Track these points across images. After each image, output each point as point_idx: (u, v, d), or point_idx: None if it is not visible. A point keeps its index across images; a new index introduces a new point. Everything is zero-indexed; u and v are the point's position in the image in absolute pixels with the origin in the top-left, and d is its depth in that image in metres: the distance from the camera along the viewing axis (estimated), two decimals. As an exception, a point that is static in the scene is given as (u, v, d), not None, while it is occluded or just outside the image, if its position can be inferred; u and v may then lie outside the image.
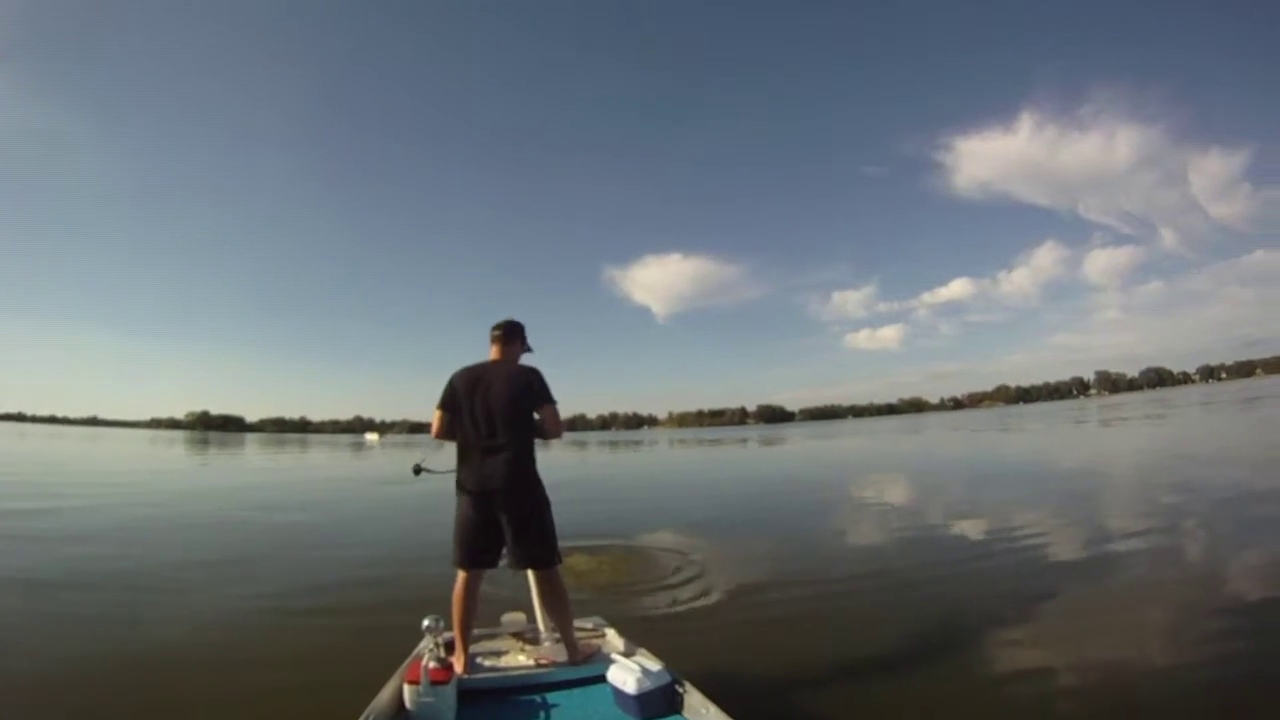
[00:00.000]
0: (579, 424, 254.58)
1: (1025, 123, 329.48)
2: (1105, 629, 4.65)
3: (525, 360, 3.81)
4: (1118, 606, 5.18)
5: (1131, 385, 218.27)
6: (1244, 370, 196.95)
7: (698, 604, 5.45)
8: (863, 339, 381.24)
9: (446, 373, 3.65)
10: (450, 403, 3.56)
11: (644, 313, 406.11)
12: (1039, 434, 32.36)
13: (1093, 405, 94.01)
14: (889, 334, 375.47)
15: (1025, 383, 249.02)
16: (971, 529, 8.57)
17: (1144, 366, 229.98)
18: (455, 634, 3.37)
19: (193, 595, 6.03)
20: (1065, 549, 7.09)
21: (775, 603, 5.50)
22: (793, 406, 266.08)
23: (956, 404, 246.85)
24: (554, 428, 3.59)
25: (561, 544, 3.64)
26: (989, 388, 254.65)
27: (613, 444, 59.13)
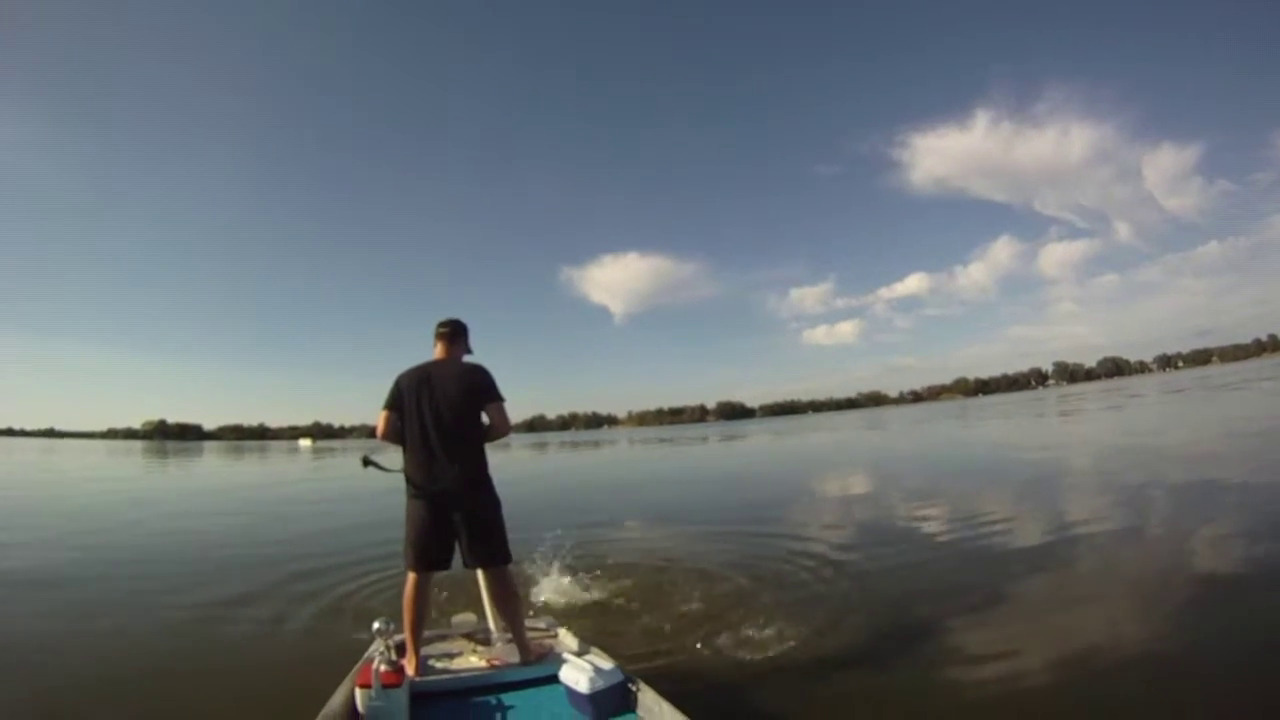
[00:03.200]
0: (538, 425, 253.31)
1: (981, 120, 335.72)
2: (1067, 616, 4.76)
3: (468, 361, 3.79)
4: (1082, 592, 5.30)
5: (1089, 375, 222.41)
6: (1200, 359, 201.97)
7: (651, 602, 5.44)
8: (821, 335, 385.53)
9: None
10: (397, 403, 3.52)
11: (602, 312, 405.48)
12: (1004, 424, 32.83)
13: (1052, 395, 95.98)
14: (847, 329, 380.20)
15: (983, 375, 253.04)
16: (937, 518, 8.70)
17: (1101, 357, 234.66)
18: (406, 636, 3.35)
19: (124, 606, 5.84)
20: (1029, 535, 7.27)
21: (729, 599, 5.51)
22: (753, 403, 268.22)
23: (916, 397, 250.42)
24: (502, 426, 3.57)
25: (516, 548, 3.65)
26: (947, 380, 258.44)
27: (573, 444, 58.98)
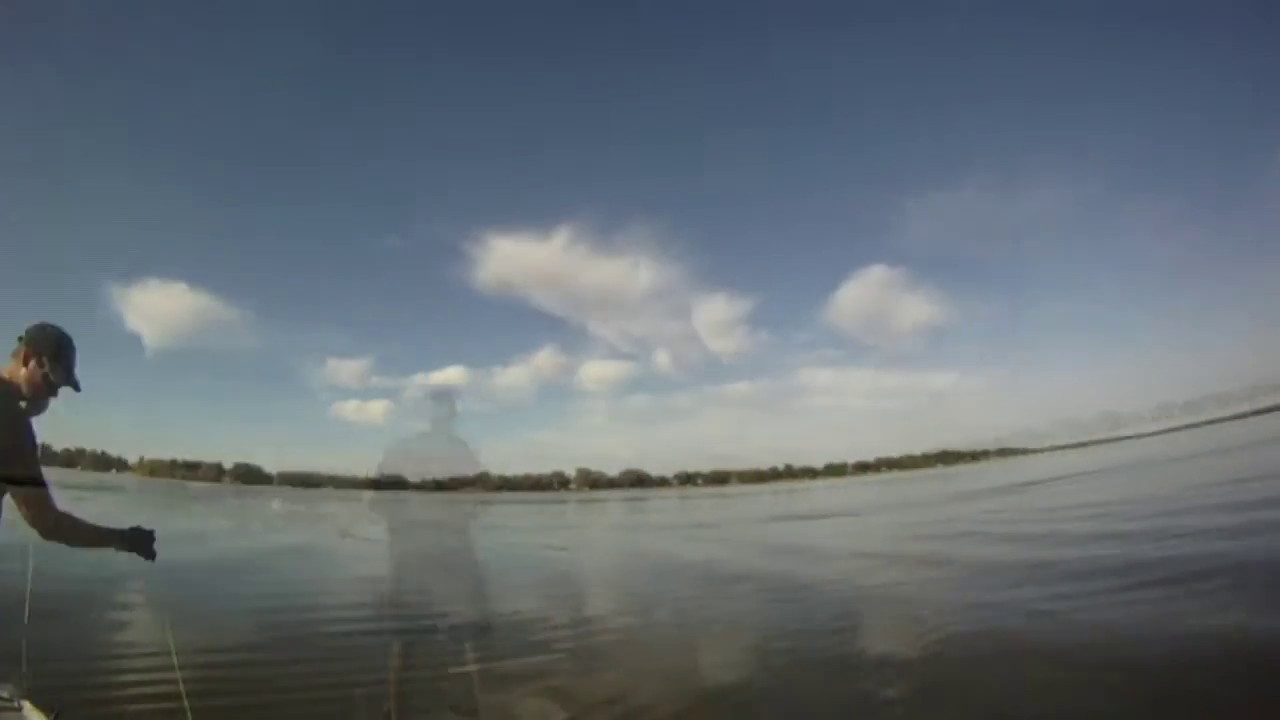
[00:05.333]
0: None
1: (562, 235, 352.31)
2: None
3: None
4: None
5: (612, 483, 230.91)
6: (719, 478, 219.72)
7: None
8: (351, 409, 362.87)
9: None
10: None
11: (133, 340, 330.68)
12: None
13: (573, 498, 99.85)
14: (377, 409, 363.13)
15: (508, 472, 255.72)
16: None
17: (624, 468, 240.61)
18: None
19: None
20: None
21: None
22: (271, 469, 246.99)
23: (438, 485, 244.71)
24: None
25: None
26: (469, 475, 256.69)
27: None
